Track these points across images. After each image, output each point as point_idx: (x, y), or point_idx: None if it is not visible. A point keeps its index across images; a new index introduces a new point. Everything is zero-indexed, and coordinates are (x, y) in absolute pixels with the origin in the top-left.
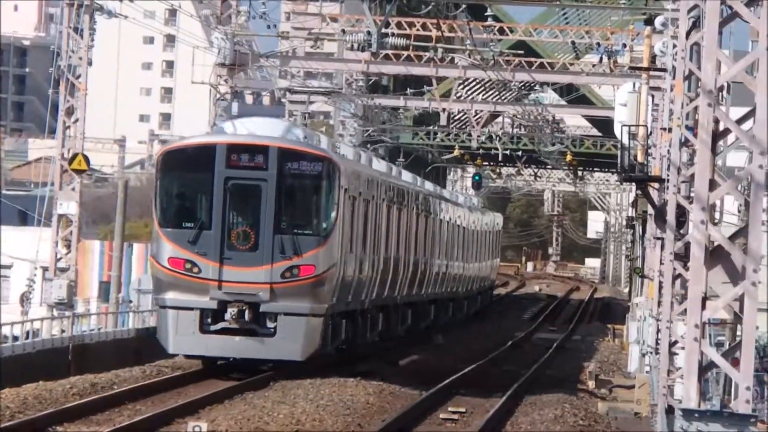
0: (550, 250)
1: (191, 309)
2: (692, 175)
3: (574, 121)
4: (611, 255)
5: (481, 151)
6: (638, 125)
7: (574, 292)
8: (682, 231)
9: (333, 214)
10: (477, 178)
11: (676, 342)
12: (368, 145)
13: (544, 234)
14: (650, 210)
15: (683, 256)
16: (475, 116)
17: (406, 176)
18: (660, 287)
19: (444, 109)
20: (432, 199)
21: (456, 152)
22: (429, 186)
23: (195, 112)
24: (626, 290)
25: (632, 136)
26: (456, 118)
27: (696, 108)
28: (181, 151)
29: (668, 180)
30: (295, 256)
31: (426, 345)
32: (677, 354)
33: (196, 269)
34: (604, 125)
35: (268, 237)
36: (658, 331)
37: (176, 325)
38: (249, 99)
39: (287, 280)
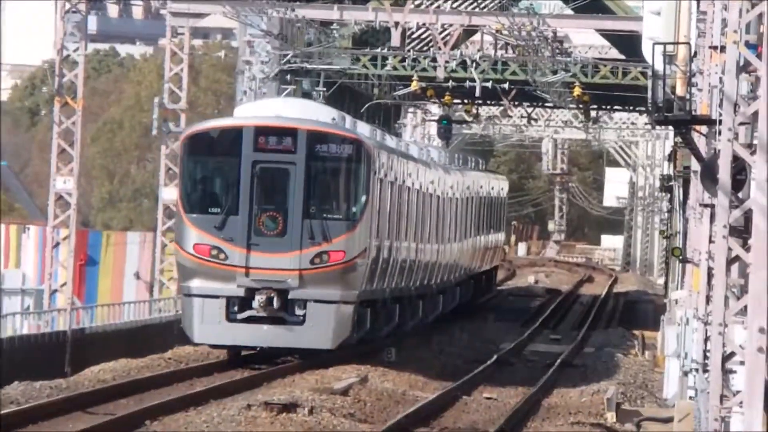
0: (551, 226)
1: (217, 297)
2: (755, 114)
3: (585, 38)
4: (639, 231)
5: (450, 83)
6: (677, 43)
7: (586, 284)
8: (740, 195)
9: (363, 198)
10: (445, 122)
11: (732, 354)
12: (288, 76)
13: (542, 202)
14: (695, 165)
15: (743, 231)
16: (441, 33)
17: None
18: (709, 276)
19: (397, 24)
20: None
21: (414, 85)
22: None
23: (33, 31)
24: (661, 281)
25: (669, 59)
26: (414, 36)
27: (761, 16)
28: (207, 134)
29: (721, 122)
30: (325, 242)
31: (372, 361)
32: (734, 372)
33: (222, 256)
34: (629, 44)
35: (296, 222)
36: (707, 339)
37: (202, 314)
38: (113, 10)
39: (316, 266)
